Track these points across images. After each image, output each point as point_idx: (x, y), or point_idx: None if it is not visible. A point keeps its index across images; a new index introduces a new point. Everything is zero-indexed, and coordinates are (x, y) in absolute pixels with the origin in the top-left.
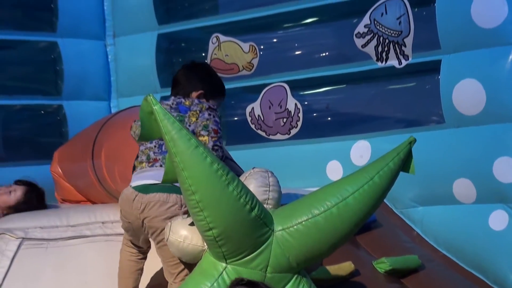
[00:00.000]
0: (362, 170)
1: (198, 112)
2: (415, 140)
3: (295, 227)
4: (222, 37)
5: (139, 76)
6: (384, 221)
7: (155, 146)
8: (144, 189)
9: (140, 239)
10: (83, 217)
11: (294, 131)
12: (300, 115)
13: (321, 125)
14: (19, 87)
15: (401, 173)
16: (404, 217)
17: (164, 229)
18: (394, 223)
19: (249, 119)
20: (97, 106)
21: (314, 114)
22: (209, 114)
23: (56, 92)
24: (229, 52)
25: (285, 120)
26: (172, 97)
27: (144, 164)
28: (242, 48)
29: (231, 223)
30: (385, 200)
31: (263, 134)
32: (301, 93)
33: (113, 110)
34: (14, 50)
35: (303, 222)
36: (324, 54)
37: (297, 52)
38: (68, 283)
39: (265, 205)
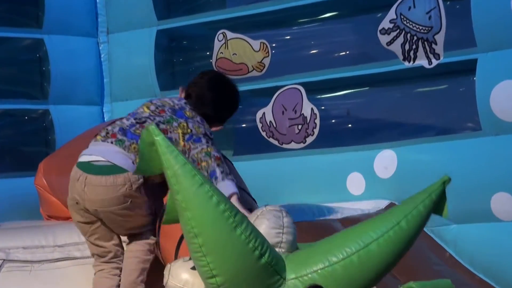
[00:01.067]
0: (388, 213)
1: (190, 130)
2: (449, 180)
3: (309, 275)
4: (230, 34)
5: (135, 78)
6: None
7: (119, 130)
8: (88, 168)
9: (89, 227)
10: (72, 236)
11: (310, 139)
12: (317, 121)
13: (341, 132)
14: (0, 89)
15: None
16: (435, 236)
17: (119, 206)
18: (423, 243)
19: (259, 125)
20: (88, 111)
21: (333, 120)
22: (207, 142)
23: (42, 96)
24: (237, 51)
25: (300, 127)
26: (184, 100)
27: (99, 137)
28: (252, 46)
29: (238, 271)
30: None
31: (276, 142)
32: (318, 96)
33: (106, 116)
34: None
35: (319, 271)
36: (344, 53)
37: (313, 51)
38: None
39: (277, 249)
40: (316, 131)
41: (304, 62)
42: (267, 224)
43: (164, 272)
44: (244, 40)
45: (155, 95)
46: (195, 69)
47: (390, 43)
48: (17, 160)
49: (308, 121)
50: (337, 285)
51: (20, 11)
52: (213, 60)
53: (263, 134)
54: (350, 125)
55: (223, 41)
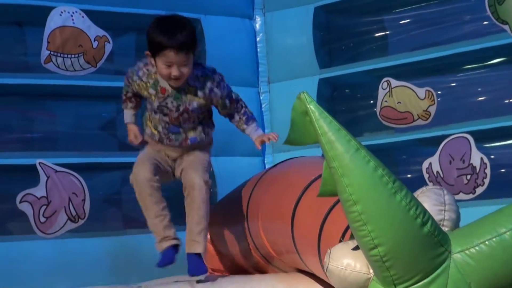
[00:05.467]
0: None
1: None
2: None
3: (477, 248)
4: (394, 82)
5: (293, 57)
6: None
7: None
8: None
9: None
10: None
11: (480, 190)
12: (487, 171)
13: None
14: None
15: None
16: None
17: None
18: None
19: (426, 176)
20: (249, 162)
21: (503, 170)
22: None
23: None
24: (402, 99)
25: (469, 177)
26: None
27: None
28: (417, 94)
29: (400, 240)
30: None
31: None
32: (488, 145)
33: (262, 98)
34: None
35: (486, 242)
36: None
37: (481, 98)
38: None
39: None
40: (487, 181)
41: (472, 109)
42: (428, 201)
43: (325, 258)
44: (408, 88)
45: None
46: (358, 117)
47: None
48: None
49: (477, 171)
50: (507, 255)
51: None
52: (377, 109)
53: (430, 185)
54: None
55: (387, 89)
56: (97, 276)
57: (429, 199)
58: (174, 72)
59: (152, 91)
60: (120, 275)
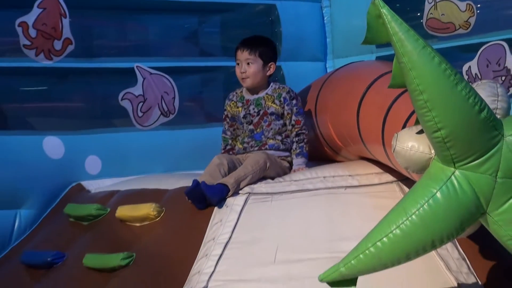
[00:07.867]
0: None
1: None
2: None
3: None
4: None
5: (354, 37)
6: None
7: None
8: None
9: None
10: (304, 173)
11: None
12: None
13: None
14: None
15: None
16: None
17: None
18: None
19: (466, 77)
20: (313, 66)
21: None
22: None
23: None
24: (445, 11)
25: (503, 78)
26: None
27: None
28: (458, 7)
29: (460, 123)
30: None
31: None
32: None
33: (329, 71)
34: (233, 13)
35: None
36: None
37: None
38: (290, 231)
39: None
40: None
41: (508, 20)
42: (484, 93)
43: (392, 141)
44: (451, 2)
45: (372, 52)
46: None
47: None
48: None
49: (511, 73)
50: None
51: None
52: (424, 20)
53: None
54: None
55: (433, 3)
56: (183, 161)
57: (484, 91)
58: (240, 68)
59: (239, 104)
60: (203, 161)
